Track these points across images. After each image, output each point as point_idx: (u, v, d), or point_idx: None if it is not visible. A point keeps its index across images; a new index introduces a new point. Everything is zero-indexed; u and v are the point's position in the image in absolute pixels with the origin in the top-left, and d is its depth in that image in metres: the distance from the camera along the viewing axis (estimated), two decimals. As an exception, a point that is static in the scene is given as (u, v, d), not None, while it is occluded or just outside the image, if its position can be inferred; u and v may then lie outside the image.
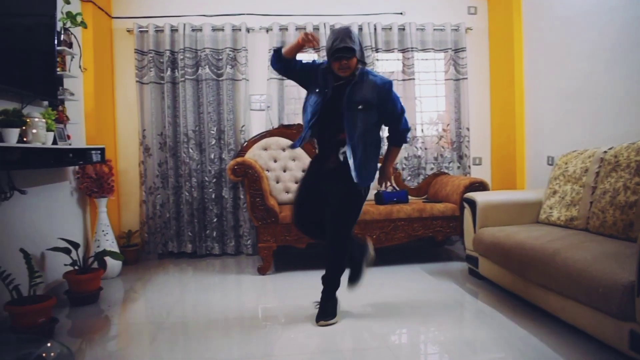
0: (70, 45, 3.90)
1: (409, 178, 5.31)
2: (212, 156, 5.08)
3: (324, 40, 5.04)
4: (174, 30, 5.06)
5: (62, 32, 3.82)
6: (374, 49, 5.20)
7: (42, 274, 3.48)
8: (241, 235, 5.13)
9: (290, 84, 5.08)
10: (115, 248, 4.33)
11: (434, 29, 5.32)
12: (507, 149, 5.19)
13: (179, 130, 5.07)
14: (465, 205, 4.08)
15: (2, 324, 3.00)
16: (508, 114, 5.16)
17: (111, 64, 5.09)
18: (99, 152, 3.96)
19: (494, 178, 5.49)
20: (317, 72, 3.17)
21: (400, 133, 3.26)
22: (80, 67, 4.30)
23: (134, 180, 5.17)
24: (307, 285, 3.93)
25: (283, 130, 5.09)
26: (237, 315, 3.43)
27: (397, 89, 5.19)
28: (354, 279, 3.37)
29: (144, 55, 5.06)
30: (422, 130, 5.38)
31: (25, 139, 3.08)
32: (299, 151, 5.04)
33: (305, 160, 5.01)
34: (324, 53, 4.72)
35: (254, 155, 4.95)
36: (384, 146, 3.43)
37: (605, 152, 3.40)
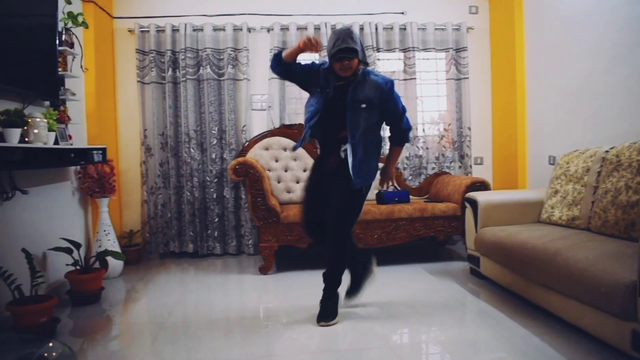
0: (71, 46, 3.91)
1: (410, 178, 5.31)
2: (214, 156, 5.08)
3: (324, 39, 5.04)
4: (175, 30, 5.06)
5: (64, 32, 3.82)
6: (375, 49, 5.20)
7: (43, 273, 3.49)
8: (242, 235, 5.13)
9: (291, 84, 5.05)
10: (116, 248, 4.34)
11: (435, 29, 5.31)
12: (509, 148, 5.19)
13: (180, 130, 5.08)
14: (467, 204, 4.08)
15: (4, 323, 3.01)
16: (509, 114, 5.16)
17: (112, 64, 5.09)
18: (100, 152, 3.97)
19: (495, 178, 5.48)
20: (318, 73, 3.17)
21: (402, 132, 3.27)
22: (81, 67, 4.30)
23: (135, 180, 5.17)
24: (309, 285, 3.93)
25: (284, 130, 5.09)
26: (238, 315, 3.43)
27: (399, 88, 5.16)
28: (352, 293, 3.41)
29: (145, 55, 5.07)
30: (424, 130, 5.37)
31: (26, 139, 3.08)
32: (300, 151, 5.04)
33: (307, 160, 5.02)
34: (324, 53, 4.74)
35: (256, 155, 4.95)
36: (385, 145, 3.44)
37: (606, 151, 3.40)
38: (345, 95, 3.06)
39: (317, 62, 3.31)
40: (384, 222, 4.43)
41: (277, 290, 4.00)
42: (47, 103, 3.74)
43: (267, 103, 5.19)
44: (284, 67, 3.20)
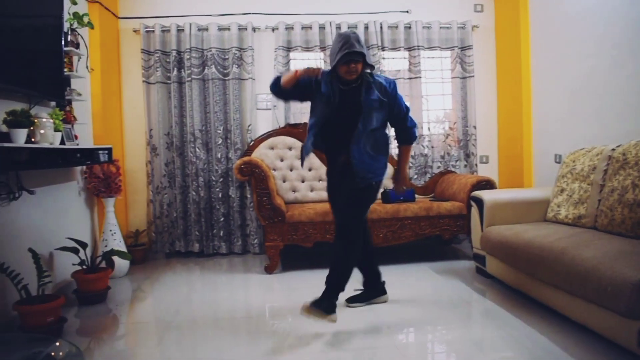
0: (77, 46, 3.92)
1: (415, 176, 5.30)
2: (219, 155, 5.08)
3: (329, 39, 5.04)
4: (180, 30, 5.07)
5: (69, 32, 3.83)
6: (380, 48, 5.20)
7: (50, 273, 3.50)
8: (248, 235, 5.14)
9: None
10: (122, 247, 4.35)
11: (441, 27, 5.30)
12: (514, 147, 5.17)
13: (185, 130, 5.09)
14: (473, 203, 4.07)
15: (11, 323, 3.02)
16: (515, 112, 5.14)
17: (118, 64, 5.11)
18: (106, 152, 3.98)
19: (501, 176, 5.47)
20: (319, 82, 3.18)
21: (408, 131, 3.30)
22: (87, 67, 4.32)
23: (141, 180, 5.19)
24: (314, 284, 3.92)
25: (289, 130, 5.09)
26: (244, 314, 3.44)
27: (404, 87, 5.19)
28: (356, 300, 3.45)
29: (151, 55, 5.08)
30: (429, 129, 5.36)
31: (33, 140, 3.10)
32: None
33: (312, 159, 5.02)
34: (321, 53, 4.74)
35: (261, 154, 4.96)
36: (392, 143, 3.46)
37: (613, 149, 3.38)
38: (355, 97, 3.10)
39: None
40: (389, 221, 4.43)
41: (283, 289, 4.01)
42: (53, 103, 3.75)
43: (272, 102, 5.19)
44: (283, 94, 3.24)
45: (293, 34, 5.14)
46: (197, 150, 5.05)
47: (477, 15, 5.47)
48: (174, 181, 5.11)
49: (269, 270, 4.36)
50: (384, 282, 3.51)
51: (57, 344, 2.23)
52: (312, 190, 5.04)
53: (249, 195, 5.09)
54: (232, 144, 5.09)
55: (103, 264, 3.91)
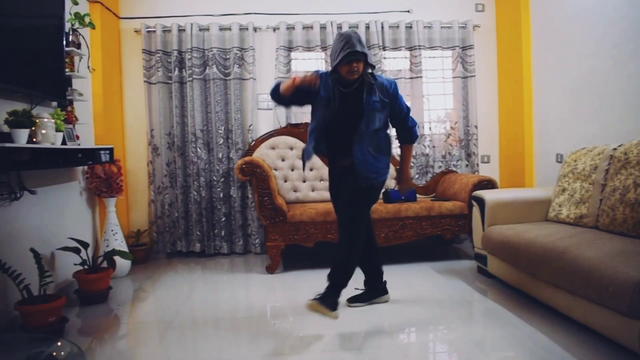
0: (78, 46, 3.92)
1: (417, 176, 5.30)
2: (220, 155, 5.09)
3: (330, 39, 5.04)
4: (181, 30, 5.07)
5: (71, 32, 3.84)
6: (381, 47, 5.19)
7: (52, 273, 3.51)
8: (249, 234, 5.14)
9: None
10: (124, 247, 4.35)
11: (442, 27, 5.30)
12: (516, 146, 5.17)
13: (187, 130, 5.09)
14: (474, 203, 4.07)
15: (13, 323, 3.03)
16: (516, 112, 5.14)
17: (119, 64, 5.11)
18: (107, 152, 3.98)
19: (502, 176, 5.47)
20: (320, 83, 3.18)
21: (409, 130, 3.32)
22: (88, 67, 4.32)
23: (142, 180, 5.19)
24: (316, 284, 3.92)
25: (291, 129, 5.09)
26: (245, 314, 3.44)
27: (405, 87, 5.19)
28: (357, 300, 3.44)
29: (152, 55, 5.08)
30: (430, 129, 5.36)
31: (34, 140, 3.10)
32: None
33: (314, 159, 4.99)
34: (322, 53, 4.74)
35: (262, 154, 4.96)
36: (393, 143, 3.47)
37: (614, 149, 3.38)
38: (356, 99, 3.11)
39: (315, 72, 3.31)
40: (390, 220, 4.43)
41: (284, 289, 4.01)
42: (54, 103, 3.76)
43: (273, 102, 5.18)
44: (283, 101, 3.27)
45: (294, 33, 5.14)
46: (199, 150, 5.05)
47: (478, 15, 5.47)
48: (175, 181, 5.11)
49: (270, 270, 4.36)
50: (385, 282, 3.51)
51: (59, 343, 2.23)
52: (313, 190, 5.05)
53: (250, 195, 5.09)
54: (233, 144, 5.09)
55: (104, 264, 3.91)
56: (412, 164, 5.26)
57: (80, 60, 4.13)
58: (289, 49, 5.16)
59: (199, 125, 5.06)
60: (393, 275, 4.06)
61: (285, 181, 5.02)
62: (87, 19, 3.89)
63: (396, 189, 4.71)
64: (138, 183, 5.19)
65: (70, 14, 3.79)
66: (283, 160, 5.04)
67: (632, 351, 2.35)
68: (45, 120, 3.17)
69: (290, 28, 5.16)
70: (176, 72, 5.06)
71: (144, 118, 5.14)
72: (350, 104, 3.11)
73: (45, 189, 3.54)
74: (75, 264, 3.71)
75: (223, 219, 5.10)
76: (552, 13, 4.63)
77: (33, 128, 3.05)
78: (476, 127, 5.36)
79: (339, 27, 5.16)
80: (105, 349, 2.89)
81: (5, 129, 2.95)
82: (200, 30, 5.08)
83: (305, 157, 3.24)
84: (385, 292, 3.50)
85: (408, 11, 5.35)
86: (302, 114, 5.18)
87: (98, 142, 4.50)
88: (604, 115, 3.99)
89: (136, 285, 4.23)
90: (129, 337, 3.17)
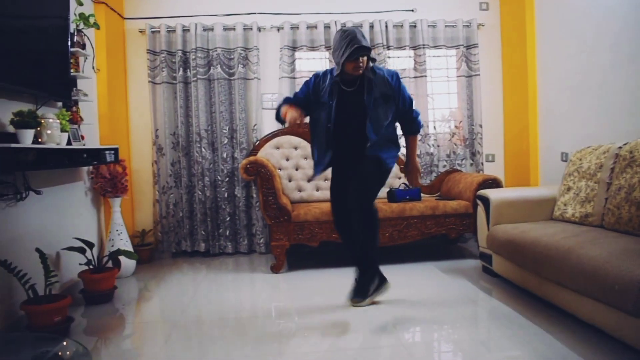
0: (83, 47, 3.93)
1: (421, 178, 5.28)
2: (225, 155, 5.09)
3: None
4: (185, 30, 5.08)
5: (75, 33, 3.85)
6: (385, 47, 5.19)
7: (57, 273, 3.52)
8: (254, 234, 5.15)
9: (302, 83, 5.07)
10: (129, 247, 4.37)
11: (446, 26, 5.29)
12: (521, 145, 5.15)
13: (191, 130, 5.10)
14: (479, 202, 4.06)
15: (18, 322, 3.04)
16: (521, 110, 5.13)
17: (124, 65, 5.12)
18: (112, 152, 3.99)
19: (507, 175, 5.45)
20: (318, 89, 3.19)
21: (413, 120, 3.31)
22: (93, 68, 4.33)
23: (147, 180, 5.20)
24: (321, 283, 3.94)
25: (295, 129, 5.09)
26: (250, 313, 3.45)
27: (409, 86, 5.18)
28: (357, 294, 3.39)
29: (156, 55, 5.09)
30: (435, 128, 5.35)
31: (40, 140, 3.11)
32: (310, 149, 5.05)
33: (317, 158, 5.02)
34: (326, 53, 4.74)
35: (266, 154, 4.96)
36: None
37: (620, 147, 3.37)
38: (358, 97, 3.11)
39: (311, 79, 3.33)
40: (395, 220, 4.42)
41: (289, 289, 4.01)
42: (59, 104, 3.77)
43: (277, 102, 5.17)
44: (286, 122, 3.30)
45: (298, 33, 5.14)
46: (203, 150, 5.06)
47: (482, 14, 5.46)
48: (180, 181, 5.12)
49: (275, 269, 4.36)
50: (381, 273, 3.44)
51: (64, 343, 2.24)
52: (317, 190, 5.04)
53: (254, 195, 5.09)
54: (237, 144, 5.10)
55: (109, 264, 3.92)
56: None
57: (85, 61, 4.14)
58: (293, 48, 5.16)
59: (204, 125, 5.07)
60: (398, 274, 4.06)
61: (290, 181, 5.02)
62: (91, 20, 3.90)
63: (401, 188, 4.72)
64: (143, 183, 5.21)
65: (75, 14, 3.80)
66: (287, 159, 5.04)
67: (638, 350, 2.33)
68: (51, 120, 3.18)
69: (294, 28, 5.16)
70: (180, 72, 5.07)
71: (149, 118, 5.15)
72: (353, 102, 3.11)
73: (50, 189, 3.56)
74: (80, 264, 3.72)
75: (228, 218, 5.11)
76: (557, 11, 4.61)
77: (38, 128, 3.06)
78: (481, 126, 5.35)
79: (343, 26, 5.15)
80: (110, 348, 2.90)
81: (11, 129, 2.96)
82: (205, 30, 5.09)
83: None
84: (384, 280, 3.42)
85: (412, 10, 5.34)
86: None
87: (103, 142, 4.51)
88: (609, 114, 3.98)
89: (141, 285, 4.24)
90: (134, 336, 3.17)
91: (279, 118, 3.33)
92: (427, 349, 2.81)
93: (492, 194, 3.94)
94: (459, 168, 5.32)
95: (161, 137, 5.11)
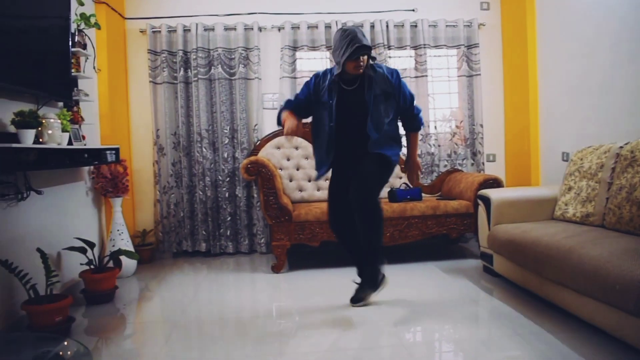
0: (84, 47, 3.94)
1: (422, 175, 5.29)
2: (226, 155, 5.09)
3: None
4: (186, 30, 5.08)
5: (76, 33, 3.85)
6: (386, 46, 5.19)
7: (58, 273, 3.52)
8: (255, 234, 5.15)
9: (303, 83, 5.07)
10: (130, 247, 4.37)
11: (447, 26, 5.29)
12: (521, 145, 5.15)
13: (192, 130, 5.10)
14: (480, 202, 4.06)
15: (19, 322, 3.04)
16: (522, 110, 5.12)
17: (125, 65, 5.13)
18: (113, 152, 3.99)
19: (508, 175, 5.45)
20: (319, 90, 3.19)
21: (415, 117, 3.30)
22: (94, 68, 4.33)
23: (148, 180, 5.21)
24: (321, 283, 3.94)
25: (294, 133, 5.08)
26: (251, 313, 3.45)
27: (410, 86, 5.13)
28: (361, 292, 3.38)
29: (157, 55, 5.09)
30: (435, 127, 5.35)
31: (41, 140, 3.11)
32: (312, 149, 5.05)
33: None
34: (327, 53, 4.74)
35: (267, 153, 4.96)
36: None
37: (621, 147, 3.36)
38: (358, 95, 3.10)
39: (311, 79, 3.33)
40: (396, 220, 4.42)
41: (290, 288, 4.01)
42: (60, 104, 3.77)
43: (278, 102, 5.19)
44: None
45: (299, 33, 5.14)
46: (204, 150, 5.06)
47: (483, 13, 5.46)
48: (181, 181, 5.12)
49: (275, 269, 4.36)
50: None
51: (65, 343, 2.24)
52: (318, 190, 5.04)
53: (255, 195, 5.09)
54: (238, 144, 5.10)
55: (110, 264, 3.92)
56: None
57: (86, 61, 4.15)
58: (294, 48, 5.17)
59: (205, 125, 5.07)
60: (398, 274, 4.06)
61: (291, 180, 5.02)
62: (92, 20, 3.90)
63: (402, 188, 4.71)
64: (144, 183, 5.21)
65: (76, 14, 3.80)
66: (288, 159, 5.04)
67: (639, 350, 2.33)
68: (52, 120, 3.18)
69: (295, 27, 5.16)
70: (181, 72, 5.07)
71: (150, 118, 5.15)
72: (353, 100, 3.11)
73: (51, 189, 3.56)
74: (81, 264, 3.72)
75: (229, 218, 5.11)
76: (558, 10, 4.61)
77: (39, 128, 3.06)
78: (482, 125, 5.35)
79: (344, 26, 5.14)
80: (111, 348, 2.90)
81: (12, 129, 2.97)
82: (205, 30, 5.09)
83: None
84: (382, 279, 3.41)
85: (413, 10, 5.34)
86: (307, 114, 5.19)
87: (104, 142, 4.52)
88: (610, 113, 3.98)
89: (142, 285, 4.24)
90: (135, 336, 3.17)
91: (280, 123, 3.34)
92: (427, 349, 2.81)
93: (493, 193, 3.94)
94: (459, 168, 5.32)
95: (162, 137, 5.11)
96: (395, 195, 4.59)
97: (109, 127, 4.59)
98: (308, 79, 3.44)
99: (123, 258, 4.07)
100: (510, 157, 5.43)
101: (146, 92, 5.15)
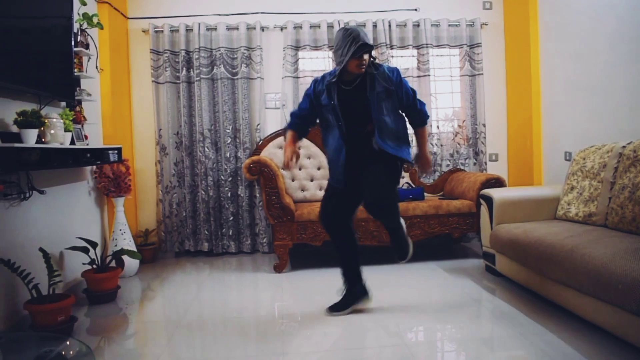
0: (87, 46, 3.94)
1: (424, 175, 5.29)
2: (228, 155, 5.10)
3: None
4: (189, 29, 5.08)
5: (79, 33, 3.86)
6: (388, 46, 5.18)
7: (61, 272, 3.53)
8: (257, 234, 5.15)
9: (305, 83, 5.09)
10: (132, 247, 4.37)
11: (449, 25, 5.28)
12: (524, 144, 5.14)
13: (194, 130, 5.10)
14: (482, 201, 4.06)
15: (22, 322, 3.05)
16: (524, 110, 5.12)
17: (127, 64, 5.13)
18: (116, 151, 4.00)
19: (510, 174, 5.44)
20: (319, 96, 3.19)
21: (419, 112, 3.27)
22: (97, 67, 4.34)
23: (150, 180, 5.21)
24: (324, 283, 3.94)
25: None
26: (253, 313, 3.45)
27: (412, 85, 5.13)
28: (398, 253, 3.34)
29: (160, 55, 5.10)
30: (438, 127, 5.34)
31: (43, 140, 3.12)
32: (314, 149, 5.06)
33: (321, 158, 5.02)
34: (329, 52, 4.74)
35: (270, 153, 4.96)
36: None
37: (623, 146, 3.36)
38: (360, 94, 3.09)
39: (310, 87, 3.31)
40: (398, 219, 4.41)
41: (292, 288, 4.01)
42: (63, 104, 3.78)
43: (280, 101, 5.20)
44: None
45: (301, 33, 5.14)
46: (206, 149, 5.06)
47: (485, 13, 5.45)
48: (183, 180, 5.13)
49: (278, 269, 4.36)
50: (364, 284, 3.34)
51: (68, 342, 2.25)
52: (321, 189, 5.04)
53: (258, 195, 5.10)
54: (241, 143, 5.10)
55: (113, 264, 3.93)
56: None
57: (88, 61, 4.15)
58: (296, 48, 5.16)
59: (207, 124, 5.07)
60: (400, 274, 4.07)
61: (293, 180, 5.02)
62: (95, 20, 3.91)
63: (404, 187, 4.71)
64: (146, 183, 5.21)
65: (78, 14, 3.81)
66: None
67: (642, 350, 2.33)
68: (54, 120, 3.19)
69: (298, 27, 5.16)
70: (184, 72, 5.07)
71: (152, 118, 5.16)
72: (355, 99, 3.10)
73: (54, 189, 3.57)
74: (83, 264, 3.73)
75: (231, 218, 5.11)
76: (560, 10, 4.60)
77: (42, 128, 3.07)
78: (484, 125, 5.34)
79: (346, 25, 5.14)
80: (113, 347, 2.90)
81: (15, 129, 2.98)
82: (208, 30, 5.09)
83: (334, 172, 3.29)
84: (365, 293, 3.33)
85: (415, 9, 5.34)
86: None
87: (106, 142, 4.52)
88: (613, 113, 3.97)
89: (144, 285, 4.25)
90: (137, 336, 3.18)
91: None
92: (430, 349, 2.80)
93: (495, 193, 3.94)
94: (462, 167, 5.31)
95: (164, 136, 5.11)
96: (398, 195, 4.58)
97: (111, 126, 4.60)
98: (310, 79, 3.44)
99: (125, 258, 4.07)
100: (513, 157, 5.42)
101: (149, 92, 5.16)
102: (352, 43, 2.98)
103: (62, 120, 3.28)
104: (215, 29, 5.09)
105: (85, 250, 3.62)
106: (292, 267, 4.52)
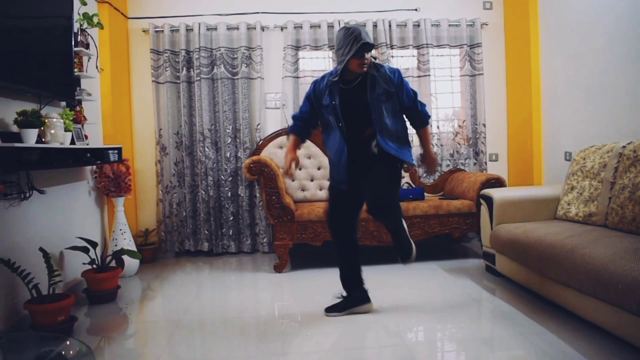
0: (87, 46, 3.94)
1: (424, 175, 5.29)
2: (228, 155, 5.10)
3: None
4: (189, 29, 5.08)
5: (79, 33, 3.86)
6: (388, 46, 5.18)
7: (61, 272, 3.53)
8: (257, 234, 5.15)
9: (305, 82, 5.09)
10: (132, 247, 4.37)
11: (449, 25, 5.28)
12: (524, 144, 5.14)
13: (194, 129, 5.10)
14: (482, 201, 4.06)
15: (22, 322, 3.05)
16: (525, 110, 5.11)
17: (127, 64, 5.13)
18: (116, 151, 4.00)
19: (510, 174, 5.44)
20: (319, 95, 3.19)
21: (421, 114, 3.26)
22: (97, 67, 4.34)
23: (150, 179, 5.21)
24: (324, 282, 3.94)
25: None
26: (253, 313, 3.45)
27: (413, 85, 5.15)
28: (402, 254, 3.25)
29: (160, 55, 5.10)
30: (438, 127, 5.34)
31: (43, 140, 3.12)
32: (315, 149, 5.06)
33: (321, 158, 5.02)
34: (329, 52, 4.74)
35: (270, 153, 4.96)
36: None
37: (624, 146, 3.35)
38: (359, 94, 3.08)
39: (310, 89, 3.31)
40: (398, 219, 4.41)
41: (292, 288, 4.01)
42: (63, 103, 3.78)
43: (281, 101, 5.20)
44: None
45: (302, 32, 5.14)
46: (207, 149, 5.06)
47: (486, 13, 5.45)
48: (184, 180, 5.13)
49: (278, 269, 4.36)
50: (366, 291, 3.31)
51: (68, 342, 2.25)
52: (321, 189, 5.04)
53: (258, 194, 5.10)
54: (241, 143, 5.10)
55: (113, 263, 3.93)
56: (419, 163, 5.22)
57: (88, 60, 4.15)
58: (297, 48, 5.16)
59: (207, 124, 5.07)
60: (400, 274, 4.06)
61: (293, 180, 5.01)
62: (95, 19, 3.91)
63: (404, 187, 4.71)
64: (146, 182, 5.21)
65: (78, 14, 3.81)
66: (291, 159, 5.04)
67: (642, 350, 2.33)
68: (54, 120, 3.19)
69: (298, 27, 5.16)
70: (184, 72, 5.07)
71: (152, 118, 5.16)
72: (355, 100, 3.09)
73: (54, 189, 3.57)
74: (84, 263, 3.73)
75: (231, 218, 5.11)
76: (561, 11, 4.60)
77: (42, 128, 3.07)
78: (484, 125, 5.34)
79: (346, 25, 5.14)
80: (113, 347, 2.90)
81: (15, 129, 2.98)
82: (208, 29, 5.09)
83: (336, 173, 3.26)
84: (366, 300, 3.29)
85: (416, 9, 5.34)
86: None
87: (106, 141, 4.52)
88: (613, 113, 3.96)
89: (144, 285, 4.25)
90: (137, 336, 3.18)
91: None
92: (430, 349, 2.80)
93: (495, 193, 3.94)
94: (462, 167, 5.31)
95: (165, 136, 5.12)
96: (398, 195, 4.58)
97: (111, 126, 4.60)
98: (311, 79, 3.44)
99: (125, 257, 4.07)
100: (513, 157, 5.42)
101: (149, 92, 5.16)
102: (353, 42, 2.97)
103: (62, 120, 3.28)
104: (216, 29, 5.09)
105: (85, 250, 3.62)
106: (292, 267, 4.52)
